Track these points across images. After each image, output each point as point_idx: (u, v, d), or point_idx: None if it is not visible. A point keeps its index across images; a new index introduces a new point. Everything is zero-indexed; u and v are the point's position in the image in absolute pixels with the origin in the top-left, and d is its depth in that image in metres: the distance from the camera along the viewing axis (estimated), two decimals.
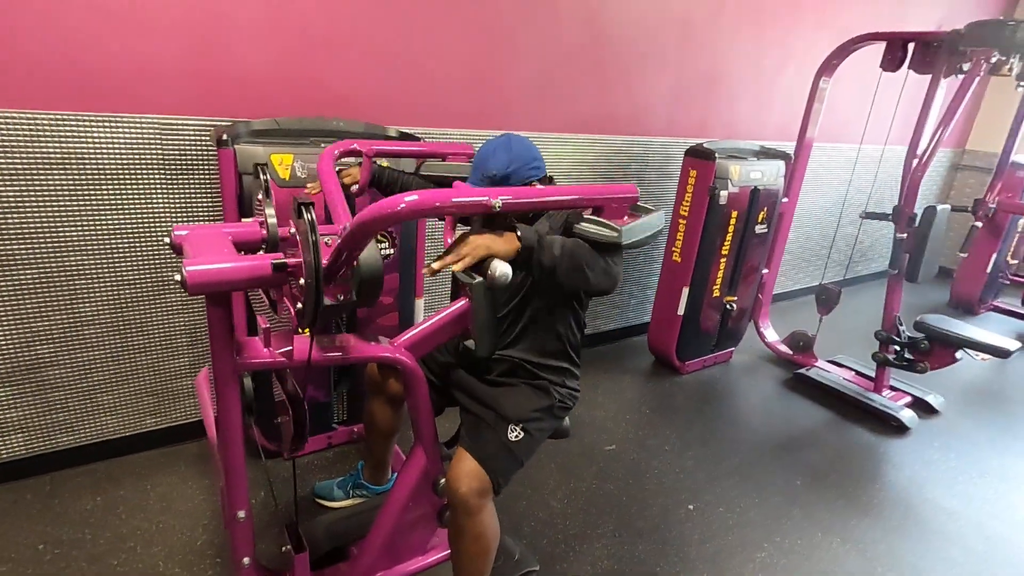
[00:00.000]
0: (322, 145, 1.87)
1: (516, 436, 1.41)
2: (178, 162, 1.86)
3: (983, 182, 4.48)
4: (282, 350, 1.22)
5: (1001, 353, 2.54)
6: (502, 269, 1.11)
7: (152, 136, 1.80)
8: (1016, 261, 4.52)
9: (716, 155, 2.64)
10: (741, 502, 2.14)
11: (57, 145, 1.68)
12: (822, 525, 2.06)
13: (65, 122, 1.67)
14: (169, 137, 1.82)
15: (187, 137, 1.85)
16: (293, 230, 1.05)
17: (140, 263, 1.90)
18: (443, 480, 1.54)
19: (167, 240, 1.18)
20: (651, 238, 1.29)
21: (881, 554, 1.94)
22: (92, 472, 1.99)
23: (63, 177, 1.72)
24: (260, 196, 1.29)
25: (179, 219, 1.91)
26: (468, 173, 1.81)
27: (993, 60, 2.19)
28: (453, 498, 1.32)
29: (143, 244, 1.88)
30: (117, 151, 1.76)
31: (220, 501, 1.62)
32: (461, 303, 1.38)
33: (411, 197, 1.00)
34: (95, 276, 1.84)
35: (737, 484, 2.24)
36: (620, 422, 2.58)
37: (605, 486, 2.16)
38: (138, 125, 1.77)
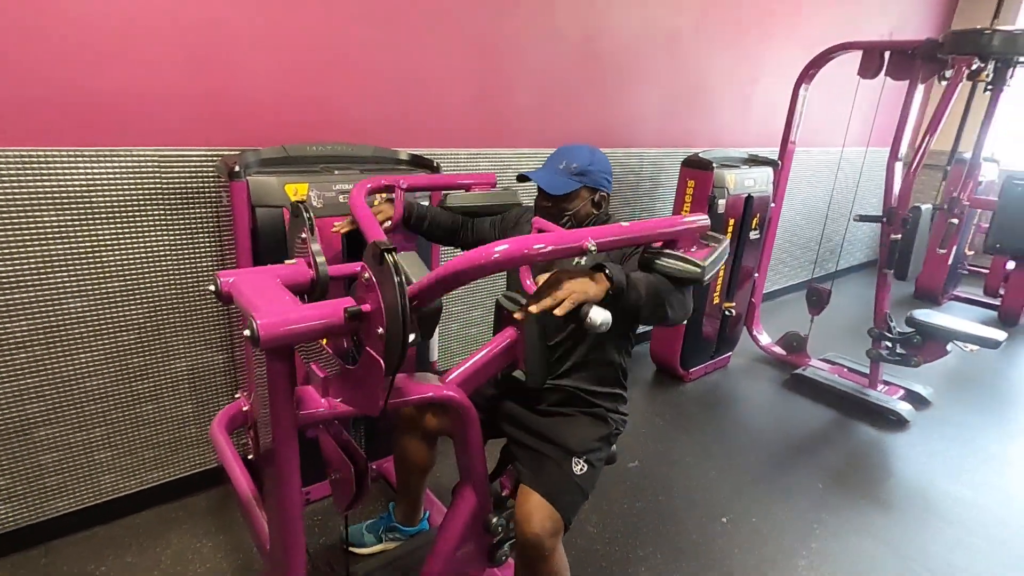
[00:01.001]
0: (336, 172, 1.79)
1: (581, 469, 1.36)
2: (179, 196, 1.73)
3: (934, 179, 4.75)
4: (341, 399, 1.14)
5: (991, 344, 2.66)
6: (603, 317, 1.03)
7: (150, 169, 1.67)
8: (972, 252, 4.79)
9: (713, 164, 2.67)
10: (771, 510, 2.15)
11: (48, 184, 1.53)
12: (852, 526, 2.09)
13: (57, 159, 1.53)
14: (169, 170, 1.70)
15: (188, 169, 1.73)
16: (367, 275, 0.97)
17: (140, 305, 1.75)
18: (494, 519, 1.48)
19: (211, 288, 1.07)
20: (721, 267, 1.27)
21: (914, 552, 1.98)
22: (92, 538, 1.81)
23: (55, 217, 1.57)
24: (304, 235, 1.20)
25: (181, 258, 1.78)
26: (492, 201, 1.76)
27: (974, 67, 2.30)
28: (524, 539, 1.26)
29: (143, 285, 1.74)
30: (113, 187, 1.62)
31: (261, 558, 1.50)
32: (508, 334, 1.33)
33: (502, 247, 0.94)
34: (93, 322, 1.68)
35: (764, 492, 2.25)
36: (637, 436, 2.56)
37: (636, 505, 2.13)
38: (135, 158, 1.64)
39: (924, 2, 4.83)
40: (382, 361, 0.91)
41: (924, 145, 2.47)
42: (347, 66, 1.95)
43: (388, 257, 0.91)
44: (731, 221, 2.84)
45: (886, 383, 3.09)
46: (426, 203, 1.80)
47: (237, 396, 1.89)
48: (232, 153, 1.74)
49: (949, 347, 2.80)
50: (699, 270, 1.13)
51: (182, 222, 1.76)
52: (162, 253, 1.74)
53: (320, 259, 1.17)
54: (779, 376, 3.26)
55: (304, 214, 1.20)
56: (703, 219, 1.22)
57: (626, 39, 2.73)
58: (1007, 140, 4.78)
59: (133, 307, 1.74)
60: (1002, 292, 4.30)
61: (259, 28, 1.75)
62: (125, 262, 1.69)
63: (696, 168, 2.72)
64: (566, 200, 1.38)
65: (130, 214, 1.67)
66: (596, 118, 2.77)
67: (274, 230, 1.66)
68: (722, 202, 2.72)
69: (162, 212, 1.72)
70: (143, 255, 1.72)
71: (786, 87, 3.10)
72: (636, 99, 2.91)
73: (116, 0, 1.51)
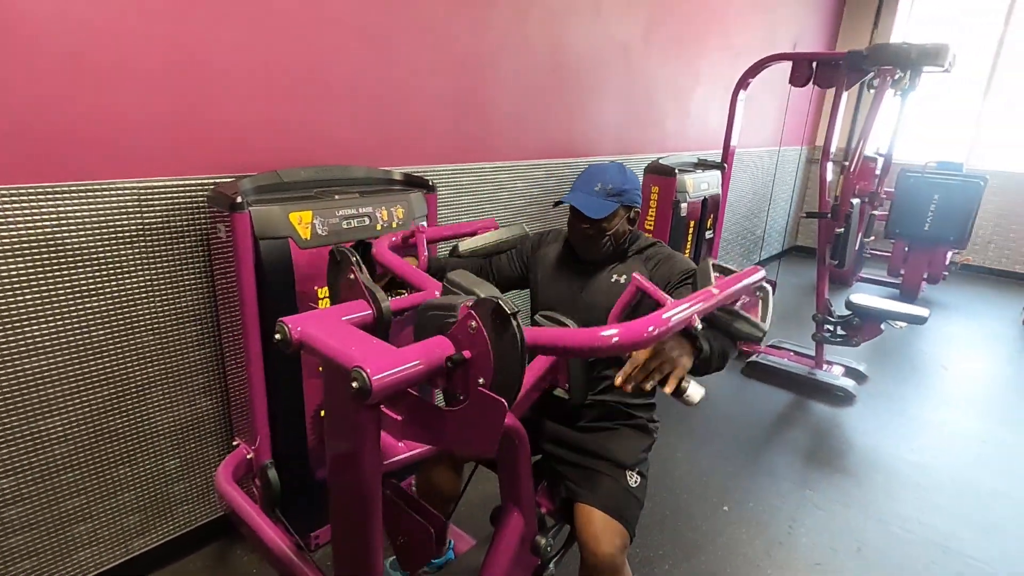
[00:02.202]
0: (336, 197, 1.70)
1: (635, 481, 1.38)
2: (161, 232, 1.57)
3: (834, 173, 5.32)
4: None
5: (919, 320, 3.00)
6: (700, 394, 1.04)
7: (128, 204, 1.49)
8: (872, 239, 5.37)
9: (676, 170, 2.81)
10: (763, 493, 2.30)
11: (14, 227, 1.33)
12: (833, 498, 2.28)
13: (24, 198, 1.33)
14: (150, 203, 1.53)
15: (171, 202, 1.57)
16: (474, 324, 0.92)
17: (119, 356, 1.56)
18: (542, 540, 1.47)
19: (278, 337, 0.98)
20: None
21: (889, 515, 2.19)
22: None
23: (23, 264, 1.36)
24: (352, 276, 1.13)
25: (163, 299, 1.60)
26: (501, 237, 1.70)
27: (897, 76, 2.59)
28: (595, 560, 1.26)
29: (121, 333, 1.55)
30: (87, 226, 1.44)
31: None
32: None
33: (611, 331, 0.91)
34: (62, 380, 1.48)
35: (752, 477, 2.40)
36: None
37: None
38: (111, 192, 1.46)
39: (817, 20, 5.38)
40: (501, 399, 0.88)
41: (859, 148, 2.74)
42: (329, 86, 1.85)
43: (514, 322, 0.86)
44: (692, 224, 2.99)
45: (829, 362, 3.39)
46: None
47: (236, 444, 1.74)
48: (226, 181, 1.59)
49: (883, 326, 3.12)
50: (762, 334, 1.16)
51: (163, 260, 1.59)
52: (140, 297, 1.57)
53: (380, 295, 1.11)
54: (736, 364, 3.48)
55: (351, 258, 1.14)
56: (761, 273, 1.24)
57: (586, 52, 2.81)
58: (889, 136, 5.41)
59: (108, 359, 1.55)
60: (902, 272, 4.85)
61: (238, 49, 1.62)
62: (101, 310, 1.51)
63: (659, 175, 2.84)
64: (606, 221, 1.39)
65: (107, 254, 1.48)
66: (564, 129, 2.82)
67: (280, 263, 1.54)
68: (684, 206, 2.86)
69: (142, 249, 1.54)
70: (122, 299, 1.53)
71: (719, 94, 3.33)
72: (597, 110, 3.00)
73: (82, 19, 1.35)
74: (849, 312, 3.18)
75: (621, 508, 1.31)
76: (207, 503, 1.86)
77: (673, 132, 3.69)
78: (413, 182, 1.93)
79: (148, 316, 1.59)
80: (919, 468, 2.51)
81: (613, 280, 1.45)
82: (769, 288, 1.27)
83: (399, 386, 0.87)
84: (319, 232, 1.61)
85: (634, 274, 1.05)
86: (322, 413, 1.74)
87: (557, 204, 1.46)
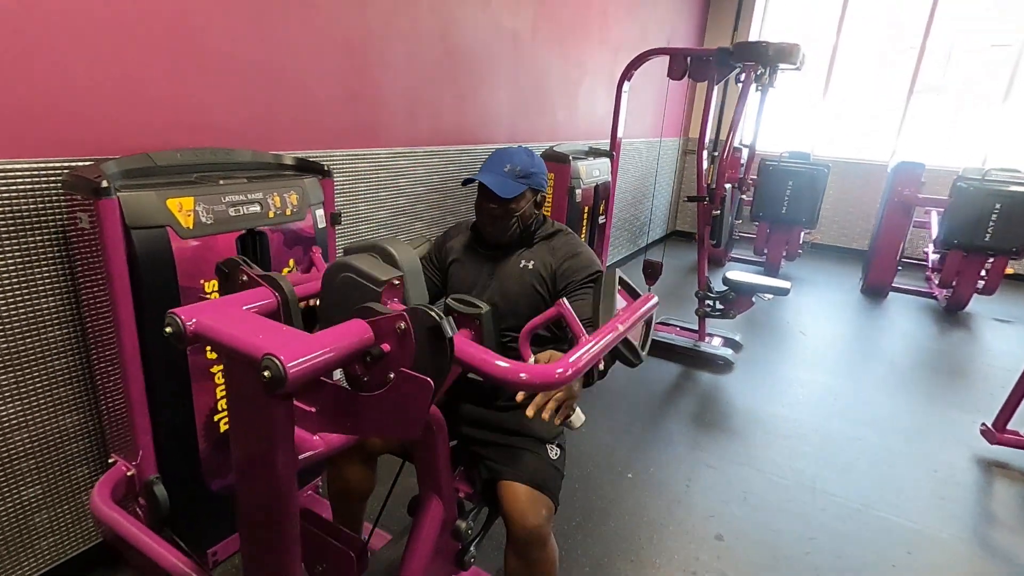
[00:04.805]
0: (220, 182, 1.55)
1: (556, 454, 1.42)
2: (3, 224, 1.34)
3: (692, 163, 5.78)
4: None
5: (782, 292, 3.36)
6: (582, 420, 1.20)
7: None
8: (740, 221, 5.92)
9: (570, 157, 2.90)
10: (661, 458, 2.47)
11: None
12: (722, 457, 2.50)
13: None
14: None
15: (13, 188, 1.35)
16: (403, 325, 0.88)
17: None
18: (463, 524, 1.47)
19: (168, 331, 0.88)
20: None
21: (768, 466, 2.45)
22: None
23: None
24: (247, 277, 1.04)
25: (10, 302, 1.38)
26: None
27: (759, 72, 2.86)
28: (525, 533, 1.29)
29: None
30: None
31: None
32: (463, 336, 1.34)
33: (523, 373, 0.94)
34: None
35: (651, 444, 2.57)
36: None
37: None
38: None
39: (686, 19, 5.80)
40: (427, 378, 0.86)
41: (729, 139, 3.00)
42: (207, 61, 1.69)
43: (449, 347, 0.86)
44: (586, 209, 3.11)
45: (710, 335, 3.71)
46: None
47: (112, 460, 1.55)
48: (83, 164, 1.40)
49: (754, 299, 3.46)
50: (639, 363, 1.21)
51: (9, 256, 1.37)
52: None
53: (285, 283, 1.04)
54: None
55: (237, 263, 1.06)
56: (655, 301, 1.30)
57: (476, 40, 2.81)
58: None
59: None
60: (766, 251, 5.40)
61: (96, 14, 1.42)
62: None
63: (555, 161, 2.92)
64: (514, 202, 1.41)
65: None
66: (458, 116, 2.81)
67: (159, 256, 1.39)
68: (579, 192, 2.97)
69: None
70: None
71: (605, 86, 3.48)
72: (490, 98, 3.01)
73: None
74: (726, 288, 3.49)
75: (545, 480, 1.35)
76: (79, 531, 1.65)
77: (564, 121, 3.81)
78: (307, 167, 1.82)
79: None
80: (788, 422, 2.83)
81: (522, 266, 1.48)
82: (652, 315, 1.33)
83: (315, 373, 0.82)
84: (203, 220, 1.47)
85: (560, 300, 1.07)
86: (215, 418, 1.60)
87: (467, 182, 1.45)
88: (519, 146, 1.49)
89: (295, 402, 1.01)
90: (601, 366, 1.20)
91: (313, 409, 0.99)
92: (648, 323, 1.31)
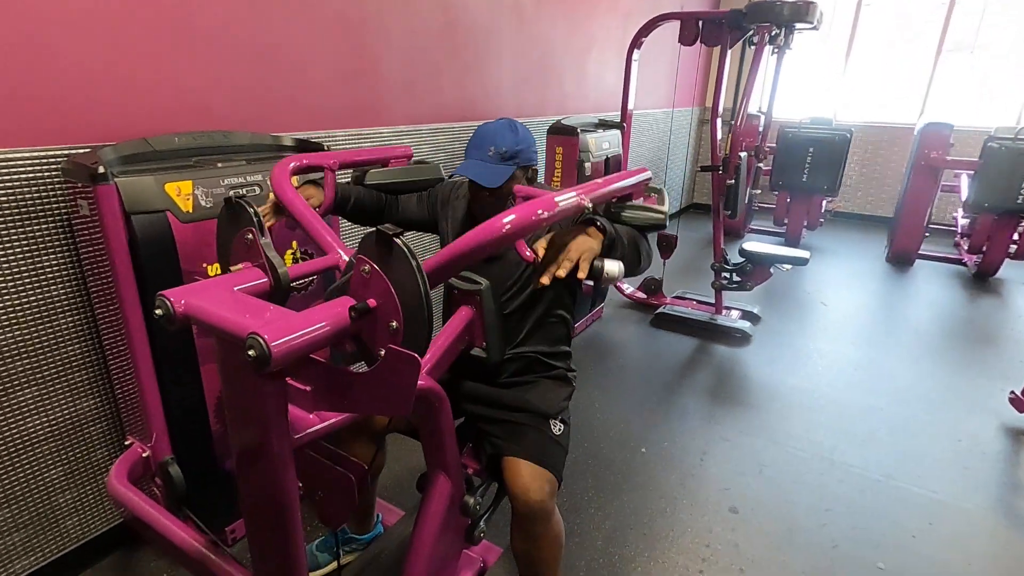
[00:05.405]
0: (219, 165, 1.56)
1: (559, 430, 1.41)
2: (8, 213, 1.36)
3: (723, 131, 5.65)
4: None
5: (801, 262, 3.28)
6: (618, 267, 1.06)
7: None
8: (759, 191, 5.77)
9: (578, 130, 2.84)
10: (675, 432, 2.44)
11: None
12: (737, 429, 2.47)
13: None
14: None
15: (16, 177, 1.36)
16: (367, 267, 0.88)
17: None
18: (471, 500, 1.47)
19: (159, 313, 0.89)
20: None
21: (784, 437, 2.42)
22: None
23: None
24: (250, 236, 1.03)
25: (21, 290, 1.41)
26: (414, 176, 1.67)
27: (774, 33, 2.75)
28: (527, 509, 1.28)
29: None
30: None
31: None
32: (463, 314, 1.32)
33: (510, 217, 0.92)
34: None
35: (664, 419, 2.54)
36: None
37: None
38: None
39: None
40: (414, 353, 0.85)
41: (743, 105, 2.90)
42: (201, 44, 1.68)
43: (398, 242, 0.85)
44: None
45: (727, 308, 3.64)
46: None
47: (129, 443, 1.59)
48: (81, 152, 1.41)
49: (772, 269, 3.39)
50: (663, 216, 1.21)
51: (17, 245, 1.39)
52: None
53: (277, 260, 1.03)
54: (645, 317, 3.65)
55: (248, 210, 1.04)
56: (647, 173, 1.30)
57: (477, 12, 2.74)
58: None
59: None
60: (786, 221, 5.27)
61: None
62: None
63: (562, 135, 2.87)
64: (504, 187, 1.36)
65: None
66: (461, 91, 2.76)
67: (159, 240, 1.40)
68: (588, 165, 2.91)
69: None
70: None
71: (614, 56, 3.38)
72: (493, 71, 2.95)
73: None
74: (743, 259, 3.41)
75: (547, 456, 1.34)
76: (103, 511, 1.70)
77: (572, 94, 3.72)
78: (307, 148, 1.81)
79: (5, 308, 1.39)
80: (806, 393, 2.77)
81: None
82: (663, 188, 1.34)
83: (302, 351, 0.81)
84: (203, 204, 1.48)
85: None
86: None
87: (451, 178, 1.42)
88: (500, 120, 1.40)
89: (289, 381, 1.02)
90: (609, 227, 1.13)
91: (308, 388, 0.99)
92: (661, 196, 1.31)
